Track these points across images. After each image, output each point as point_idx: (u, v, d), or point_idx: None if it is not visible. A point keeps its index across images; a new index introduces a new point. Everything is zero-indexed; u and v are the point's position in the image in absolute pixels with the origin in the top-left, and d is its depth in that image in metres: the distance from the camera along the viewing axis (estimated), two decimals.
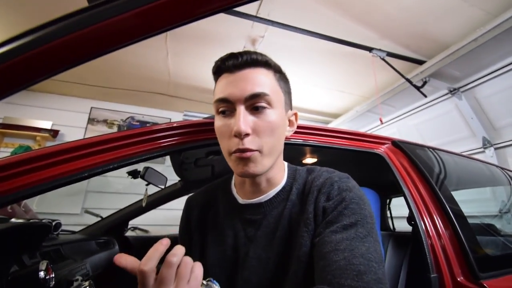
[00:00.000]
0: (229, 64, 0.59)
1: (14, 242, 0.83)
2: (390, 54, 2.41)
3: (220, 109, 0.59)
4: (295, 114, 0.68)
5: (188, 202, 0.78)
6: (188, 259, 0.44)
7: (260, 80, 0.58)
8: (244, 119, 0.55)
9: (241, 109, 0.56)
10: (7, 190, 0.54)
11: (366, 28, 2.21)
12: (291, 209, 0.63)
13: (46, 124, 3.11)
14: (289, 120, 0.67)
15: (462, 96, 2.47)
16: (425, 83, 2.47)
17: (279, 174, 0.67)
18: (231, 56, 0.59)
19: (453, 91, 2.49)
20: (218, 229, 0.68)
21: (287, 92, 0.65)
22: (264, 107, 0.57)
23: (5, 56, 0.47)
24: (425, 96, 2.54)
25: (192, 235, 0.72)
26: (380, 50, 2.36)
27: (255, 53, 0.60)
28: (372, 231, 0.54)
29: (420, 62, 2.50)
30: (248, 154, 0.55)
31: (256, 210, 0.65)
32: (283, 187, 0.66)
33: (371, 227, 0.54)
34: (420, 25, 2.14)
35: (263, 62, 0.60)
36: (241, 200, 0.68)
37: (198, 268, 0.44)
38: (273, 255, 0.60)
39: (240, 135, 0.54)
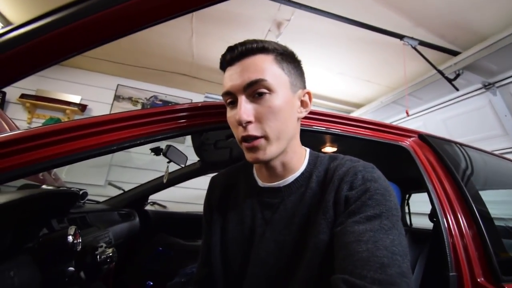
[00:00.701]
0: (227, 58, 0.61)
1: (44, 207, 0.88)
2: (422, 43, 2.28)
3: (227, 101, 0.61)
4: (308, 94, 0.66)
5: (211, 182, 0.81)
6: None
7: (256, 67, 0.58)
8: (244, 108, 0.56)
9: (242, 99, 0.57)
10: (39, 158, 0.57)
11: (399, 15, 2.10)
12: (311, 197, 0.63)
13: (76, 99, 3.24)
14: (302, 101, 0.65)
15: (497, 92, 2.32)
16: (458, 75, 2.33)
17: (296, 159, 0.66)
18: (228, 50, 0.61)
19: (487, 86, 2.34)
20: (238, 209, 0.70)
21: (293, 73, 0.63)
22: (264, 93, 0.57)
23: (40, 32, 0.48)
24: (457, 90, 2.41)
25: (213, 214, 0.75)
26: (412, 38, 2.24)
27: (252, 41, 0.60)
28: (397, 223, 0.52)
29: (454, 53, 2.35)
30: (254, 143, 0.57)
31: (274, 194, 0.66)
32: (302, 173, 0.66)
33: (396, 219, 0.53)
34: (458, 14, 2.00)
35: (259, 48, 0.59)
36: (260, 183, 0.69)
37: None
38: (290, 240, 0.61)
39: (242, 124, 0.56)
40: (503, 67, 2.17)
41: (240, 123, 0.56)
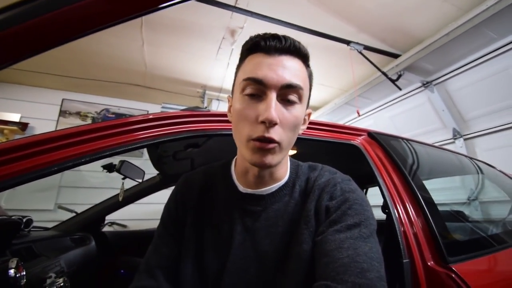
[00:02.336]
0: (270, 45, 0.55)
1: None
2: (367, 48, 2.46)
3: (248, 91, 0.55)
4: (309, 114, 0.67)
5: (185, 180, 0.73)
6: None
7: (298, 72, 0.56)
8: (276, 108, 0.53)
9: (274, 96, 0.53)
10: None
11: (345, 22, 2.24)
12: (293, 207, 0.62)
13: (15, 117, 2.96)
14: (303, 119, 0.64)
15: (434, 89, 2.58)
16: (399, 76, 2.55)
17: (283, 169, 0.65)
18: (276, 37, 0.56)
19: (426, 84, 2.59)
20: (215, 214, 0.66)
21: (310, 91, 0.64)
22: (295, 102, 0.55)
23: None
24: (400, 89, 2.63)
25: (187, 216, 0.68)
26: (357, 43, 2.40)
27: (298, 41, 0.57)
28: (374, 232, 0.55)
29: (395, 56, 2.57)
30: (271, 145, 0.53)
31: (256, 201, 0.63)
32: (286, 183, 0.65)
33: (373, 228, 0.55)
34: (396, 20, 2.20)
35: (303, 54, 0.58)
36: (242, 188, 0.65)
37: None
38: (272, 249, 0.59)
39: (271, 123, 0.52)
40: (438, 66, 2.43)
41: (268, 122, 0.52)
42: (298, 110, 0.56)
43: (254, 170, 0.61)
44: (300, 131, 0.63)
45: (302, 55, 0.58)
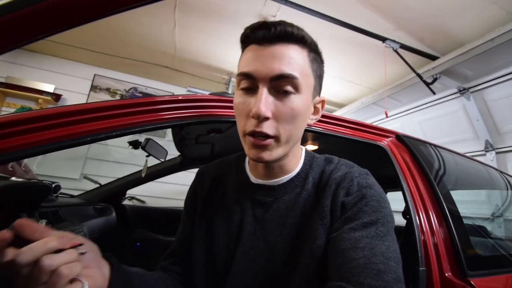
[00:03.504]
0: (259, 35, 0.53)
1: (13, 200, 0.83)
2: (403, 46, 2.35)
3: (242, 85, 0.55)
4: (322, 102, 0.63)
5: (200, 173, 0.75)
6: (53, 264, 0.35)
7: (291, 59, 0.52)
8: (265, 101, 0.51)
9: (264, 90, 0.51)
10: (7, 148, 0.53)
11: (382, 17, 2.15)
12: (306, 199, 0.61)
13: (49, 87, 3.09)
14: (315, 107, 0.62)
15: (471, 97, 2.44)
16: (435, 79, 2.42)
17: (293, 161, 0.64)
18: (263, 25, 0.53)
19: (462, 91, 2.45)
20: (226, 204, 0.67)
21: (319, 76, 0.60)
22: (289, 92, 0.52)
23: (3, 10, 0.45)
24: (434, 93, 2.50)
25: (197, 206, 0.71)
26: (394, 41, 2.30)
27: (291, 25, 0.54)
28: (391, 230, 0.52)
29: (433, 58, 2.44)
30: (263, 142, 0.52)
31: (267, 192, 0.63)
32: (298, 174, 0.64)
33: (391, 226, 0.53)
34: (438, 19, 2.07)
35: (298, 37, 0.54)
36: (253, 179, 0.65)
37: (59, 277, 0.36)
38: (282, 241, 0.59)
39: (259, 118, 0.51)
40: (477, 73, 2.28)
41: (256, 116, 0.50)
42: (295, 101, 0.53)
43: (261, 163, 0.61)
44: (310, 122, 0.62)
45: (297, 39, 0.54)
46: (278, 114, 0.52)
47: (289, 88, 0.52)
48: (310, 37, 0.56)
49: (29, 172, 1.62)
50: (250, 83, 0.54)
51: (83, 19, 0.50)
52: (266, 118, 0.51)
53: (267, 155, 0.54)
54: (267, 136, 0.52)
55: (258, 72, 0.52)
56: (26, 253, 0.34)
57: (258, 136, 0.52)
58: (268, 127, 0.52)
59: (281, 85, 0.52)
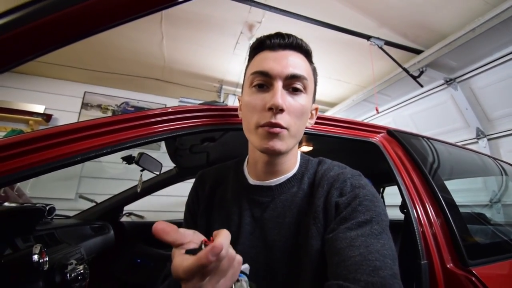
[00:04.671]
0: (274, 42, 0.61)
1: (7, 225, 0.82)
2: (388, 43, 2.38)
3: (256, 82, 0.60)
4: (316, 109, 0.71)
5: (200, 176, 0.79)
6: (233, 252, 0.40)
7: (300, 64, 0.61)
8: (281, 95, 0.57)
9: (280, 85, 0.58)
10: None
11: (365, 16, 2.18)
12: (302, 198, 0.64)
13: (39, 108, 3.06)
14: (310, 112, 0.69)
15: (457, 87, 2.48)
16: (421, 73, 2.46)
17: (292, 160, 0.68)
18: (279, 35, 0.61)
19: (449, 82, 2.49)
20: (225, 206, 0.69)
21: (315, 85, 0.68)
22: (300, 90, 0.60)
23: None
24: (421, 86, 2.54)
25: (200, 205, 0.73)
26: (378, 38, 2.33)
27: (300, 39, 0.63)
28: (386, 228, 0.54)
29: (417, 52, 2.48)
30: (278, 130, 0.57)
31: (265, 192, 0.66)
32: (294, 174, 0.67)
33: (385, 224, 0.55)
34: (419, 14, 2.11)
35: (305, 49, 0.63)
36: (251, 180, 0.69)
37: (238, 263, 0.41)
38: (280, 240, 0.61)
39: (277, 109, 0.56)
40: (462, 63, 2.32)
41: (275, 107, 0.56)
42: (304, 99, 0.60)
43: (264, 158, 0.64)
44: (308, 125, 0.67)
45: (304, 51, 0.63)
46: (290, 108, 0.58)
47: (299, 86, 0.60)
48: (311, 52, 0.66)
49: (22, 196, 1.60)
50: (265, 80, 0.59)
51: (71, 38, 0.50)
52: (282, 110, 0.56)
53: (280, 145, 0.58)
54: (281, 127, 0.57)
55: (273, 70, 0.58)
56: (226, 248, 0.37)
57: (275, 127, 0.57)
58: (282, 119, 0.57)
59: (293, 83, 0.59)
